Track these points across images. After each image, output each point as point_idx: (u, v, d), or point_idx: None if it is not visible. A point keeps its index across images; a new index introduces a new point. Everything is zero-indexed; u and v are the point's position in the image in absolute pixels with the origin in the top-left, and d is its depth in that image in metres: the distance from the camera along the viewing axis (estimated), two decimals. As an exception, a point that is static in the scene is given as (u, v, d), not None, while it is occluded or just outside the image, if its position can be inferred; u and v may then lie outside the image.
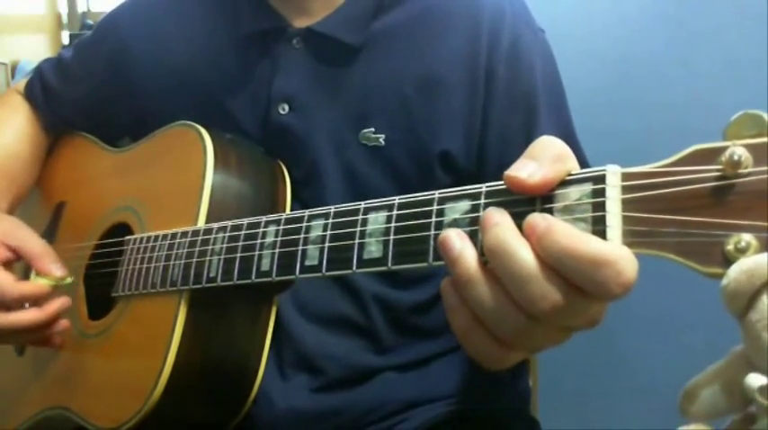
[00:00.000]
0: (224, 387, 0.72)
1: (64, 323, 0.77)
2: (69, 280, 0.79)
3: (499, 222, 0.41)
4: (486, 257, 0.41)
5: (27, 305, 0.75)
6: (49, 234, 0.91)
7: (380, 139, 0.76)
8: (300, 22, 0.79)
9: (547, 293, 0.38)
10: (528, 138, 0.76)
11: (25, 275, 0.81)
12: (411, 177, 0.76)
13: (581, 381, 1.48)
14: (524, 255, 0.39)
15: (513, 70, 0.76)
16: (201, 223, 0.68)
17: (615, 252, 0.36)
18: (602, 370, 1.47)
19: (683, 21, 1.34)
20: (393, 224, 0.49)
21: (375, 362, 0.78)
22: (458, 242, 0.42)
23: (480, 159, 0.77)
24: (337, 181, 0.77)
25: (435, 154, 0.76)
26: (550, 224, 0.38)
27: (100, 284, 0.79)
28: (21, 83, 0.99)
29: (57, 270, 0.77)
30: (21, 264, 0.81)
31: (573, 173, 0.41)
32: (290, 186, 0.77)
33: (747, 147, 0.34)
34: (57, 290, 0.77)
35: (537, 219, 0.39)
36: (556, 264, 0.38)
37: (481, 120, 0.76)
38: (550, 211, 0.40)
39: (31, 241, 0.80)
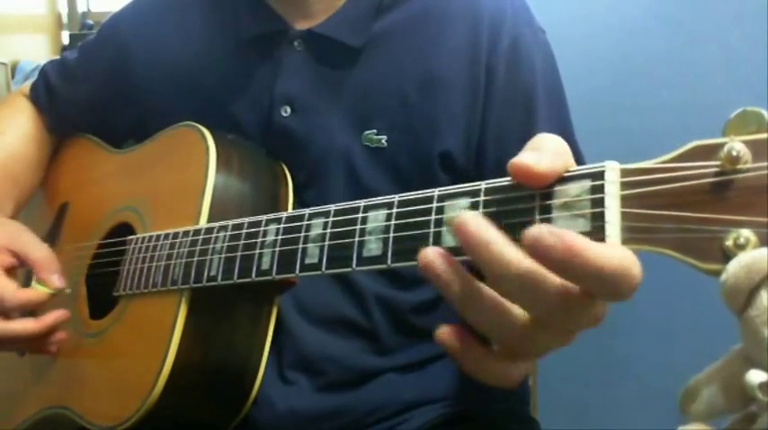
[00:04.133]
0: (224, 387, 0.72)
1: (60, 335, 0.78)
2: (68, 290, 0.80)
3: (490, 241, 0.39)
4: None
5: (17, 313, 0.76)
6: (52, 235, 0.91)
7: (383, 141, 0.76)
8: (301, 25, 0.79)
9: (553, 301, 0.38)
10: (526, 138, 0.76)
11: (27, 281, 0.82)
12: (413, 178, 0.76)
13: (581, 382, 1.48)
14: (550, 277, 0.38)
15: (513, 70, 0.76)
16: (203, 223, 0.68)
17: (630, 258, 0.36)
18: (601, 371, 1.47)
19: (682, 21, 1.34)
20: (393, 222, 0.49)
21: (376, 364, 0.77)
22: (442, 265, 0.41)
23: (478, 158, 0.77)
24: (340, 183, 0.77)
25: (436, 155, 0.76)
26: (586, 246, 0.36)
27: (102, 284, 0.79)
28: (26, 85, 1.00)
29: (57, 280, 0.79)
30: (23, 270, 0.82)
31: (571, 169, 0.41)
32: (291, 188, 0.77)
33: (746, 143, 0.34)
34: (56, 299, 0.78)
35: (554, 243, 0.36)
36: (581, 282, 0.37)
37: (480, 120, 0.76)
38: (549, 208, 0.40)
39: (35, 249, 0.81)
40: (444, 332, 0.42)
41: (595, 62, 1.42)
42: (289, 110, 0.77)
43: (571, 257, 0.35)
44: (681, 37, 1.35)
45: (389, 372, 0.78)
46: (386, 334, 0.78)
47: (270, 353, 0.73)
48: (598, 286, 0.36)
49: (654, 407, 1.31)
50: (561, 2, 1.44)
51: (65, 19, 2.17)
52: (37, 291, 0.77)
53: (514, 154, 0.43)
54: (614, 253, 0.36)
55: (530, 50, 0.78)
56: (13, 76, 1.86)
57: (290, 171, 0.78)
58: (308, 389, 0.75)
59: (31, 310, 0.78)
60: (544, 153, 0.41)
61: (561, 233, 0.35)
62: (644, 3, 1.40)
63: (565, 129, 0.79)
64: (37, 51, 2.05)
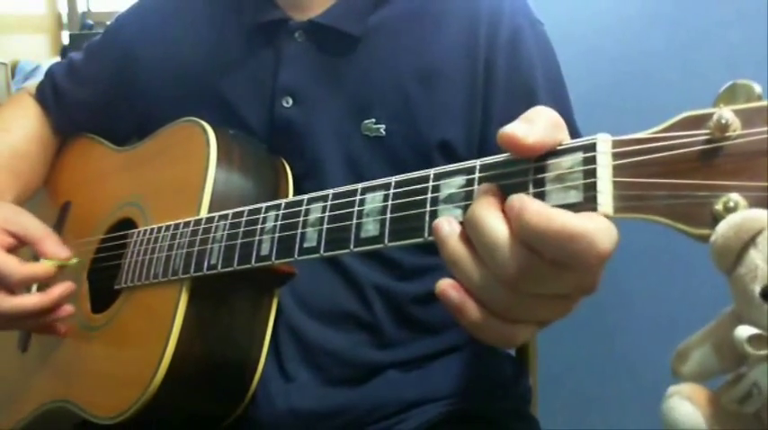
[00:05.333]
0: (224, 378, 0.72)
1: (68, 308, 0.77)
2: (74, 260, 0.79)
3: (479, 196, 0.42)
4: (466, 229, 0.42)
5: (33, 289, 0.76)
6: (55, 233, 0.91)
7: (381, 130, 0.76)
8: (302, 15, 0.80)
9: (512, 260, 0.39)
10: None
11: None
12: (412, 167, 0.76)
13: (581, 381, 1.47)
14: (492, 224, 0.40)
15: (513, 62, 0.77)
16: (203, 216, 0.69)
17: (585, 226, 0.37)
18: (602, 370, 1.46)
19: (682, 20, 1.34)
20: (390, 202, 0.49)
21: (377, 358, 0.77)
22: (446, 226, 0.44)
23: (482, 150, 0.77)
24: (339, 172, 0.77)
25: (435, 144, 0.76)
26: (523, 205, 0.39)
27: (104, 278, 0.80)
28: (31, 85, 1.01)
29: (61, 251, 0.78)
30: (25, 252, 0.81)
31: (564, 143, 0.42)
32: (291, 182, 0.77)
33: (735, 111, 0.35)
34: (61, 275, 0.77)
35: (513, 201, 0.39)
36: (531, 244, 0.39)
37: (482, 112, 0.76)
38: (542, 181, 0.41)
39: (32, 226, 0.80)
40: (445, 283, 0.43)
41: (595, 62, 1.42)
42: (290, 101, 0.78)
43: (519, 218, 0.38)
44: (680, 36, 1.34)
45: (391, 370, 0.78)
46: (387, 326, 0.78)
47: (270, 347, 0.73)
48: (544, 249, 0.38)
49: (655, 407, 1.31)
50: (561, 2, 1.45)
51: (65, 19, 2.18)
52: (42, 265, 0.76)
53: None
54: (559, 216, 0.37)
55: (528, 43, 0.78)
56: (13, 76, 1.86)
57: (289, 162, 0.78)
58: (309, 385, 0.75)
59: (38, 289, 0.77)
60: (536, 125, 0.42)
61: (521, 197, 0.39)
62: (644, 2, 1.40)
63: (567, 118, 0.79)
64: (37, 51, 2.05)
